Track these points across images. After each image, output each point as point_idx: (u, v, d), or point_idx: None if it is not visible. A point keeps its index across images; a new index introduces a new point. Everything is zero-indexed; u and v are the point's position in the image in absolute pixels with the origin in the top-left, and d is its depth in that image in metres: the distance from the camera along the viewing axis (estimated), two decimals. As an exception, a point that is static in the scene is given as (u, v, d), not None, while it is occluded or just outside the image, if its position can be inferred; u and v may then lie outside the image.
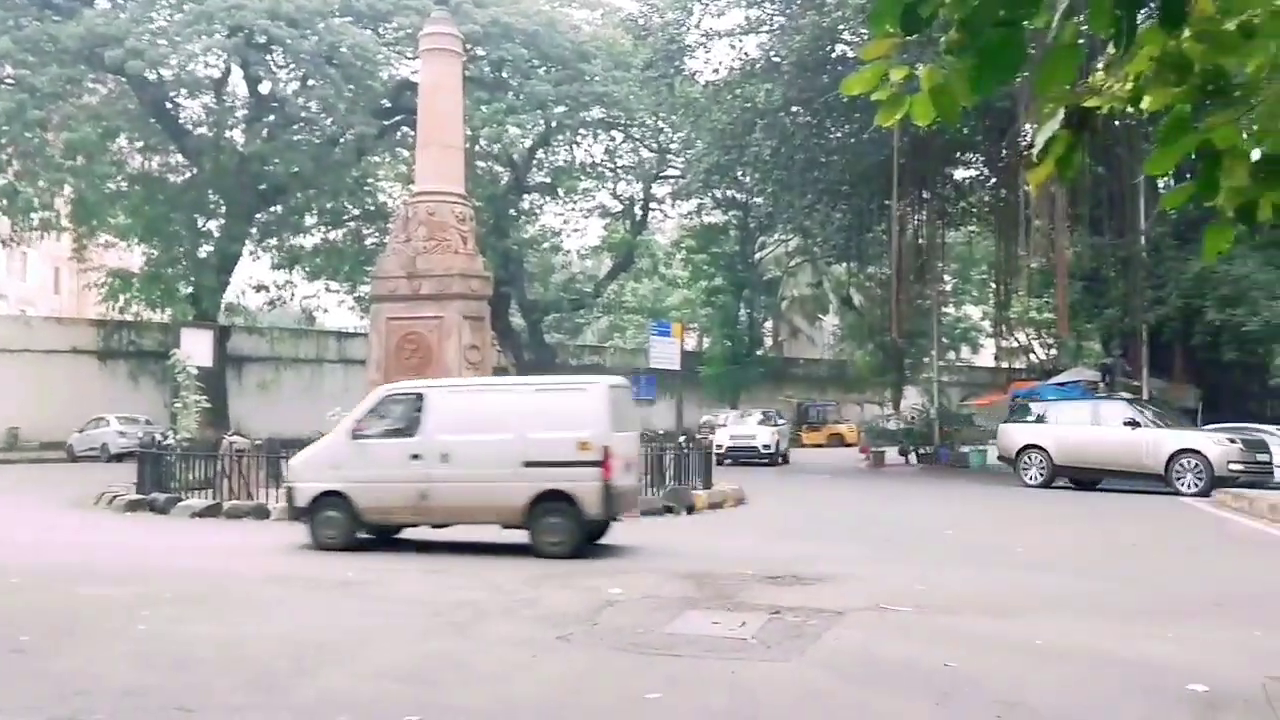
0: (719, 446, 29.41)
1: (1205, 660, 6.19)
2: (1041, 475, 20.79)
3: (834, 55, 28.16)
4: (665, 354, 34.74)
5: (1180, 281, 24.13)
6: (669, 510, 15.47)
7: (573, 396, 11.41)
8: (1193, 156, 2.92)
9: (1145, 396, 24.71)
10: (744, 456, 29.38)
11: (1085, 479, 20.47)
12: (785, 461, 30.71)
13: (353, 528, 11.40)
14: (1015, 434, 21.89)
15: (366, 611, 7.99)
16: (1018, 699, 5.39)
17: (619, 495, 10.98)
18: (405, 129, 34.48)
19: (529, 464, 10.84)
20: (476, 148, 35.05)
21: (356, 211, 38.86)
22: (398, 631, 7.18)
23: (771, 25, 30.43)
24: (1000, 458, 22.82)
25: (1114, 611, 7.98)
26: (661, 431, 30.75)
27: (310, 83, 33.13)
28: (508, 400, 12.00)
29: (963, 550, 11.81)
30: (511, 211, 40.39)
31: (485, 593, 8.66)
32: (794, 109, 29.83)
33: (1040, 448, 20.85)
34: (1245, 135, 3.20)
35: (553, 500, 10.80)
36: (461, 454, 11.01)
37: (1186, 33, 3.02)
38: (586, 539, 11.14)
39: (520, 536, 11.04)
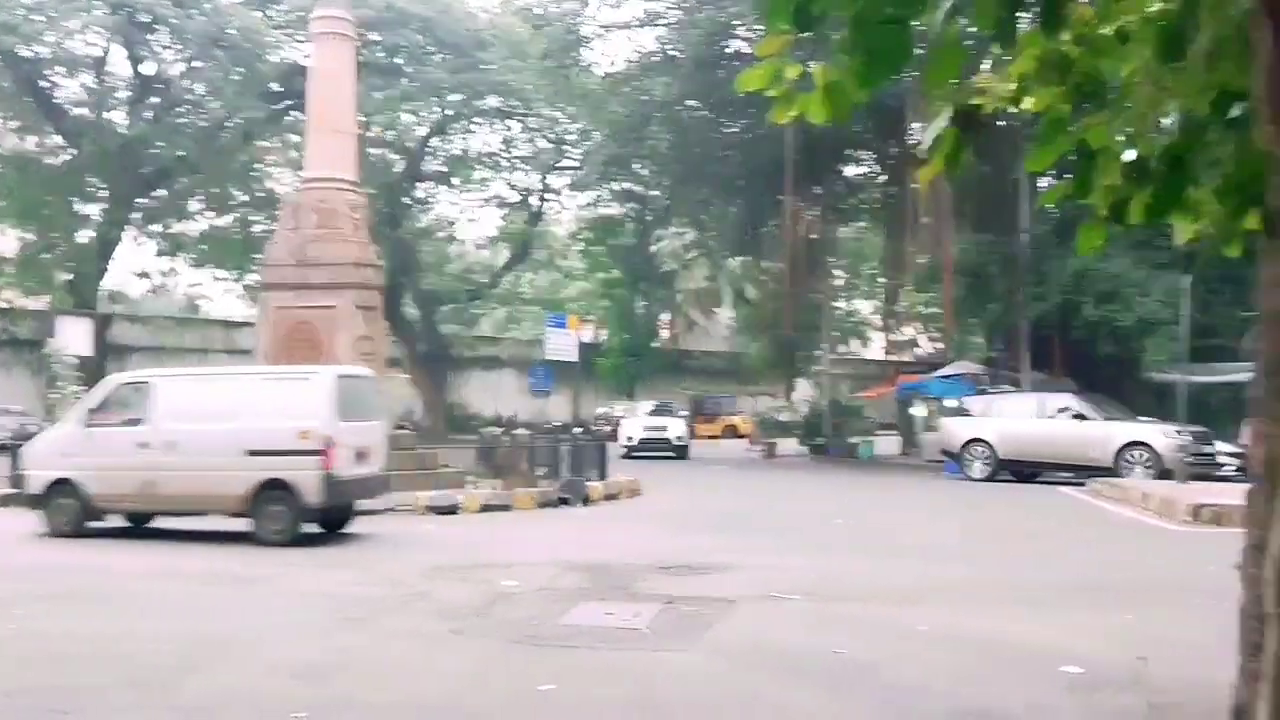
0: (629, 439, 29.59)
1: (1081, 643, 6.43)
2: (986, 469, 20.68)
3: (730, 51, 28.42)
4: (561, 346, 34.60)
5: (1059, 279, 25.09)
6: (564, 502, 15.47)
7: (297, 386, 11.58)
8: (1070, 156, 3.03)
9: (1026, 386, 25.64)
10: (657, 449, 29.30)
11: (1029, 472, 20.51)
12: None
13: (83, 515, 11.52)
14: (959, 428, 21.86)
15: (266, 609, 7.81)
16: (904, 683, 5.54)
17: (342, 484, 11.16)
18: (296, 114, 33.57)
19: (251, 453, 10.96)
20: (370, 134, 34.38)
21: (244, 198, 37.72)
22: (293, 628, 7.03)
23: (669, 19, 30.54)
24: (943, 451, 22.74)
25: (997, 597, 8.24)
26: (558, 423, 30.66)
27: (196, 64, 32.12)
28: (234, 389, 12.03)
29: (853, 539, 12.07)
30: (406, 200, 39.79)
31: (381, 587, 8.55)
32: (691, 103, 30.02)
33: (985, 441, 20.85)
34: (1119, 137, 3.34)
35: (274, 489, 10.92)
36: (187, 442, 11.11)
37: (1066, 36, 3.14)
38: (328, 528, 11.53)
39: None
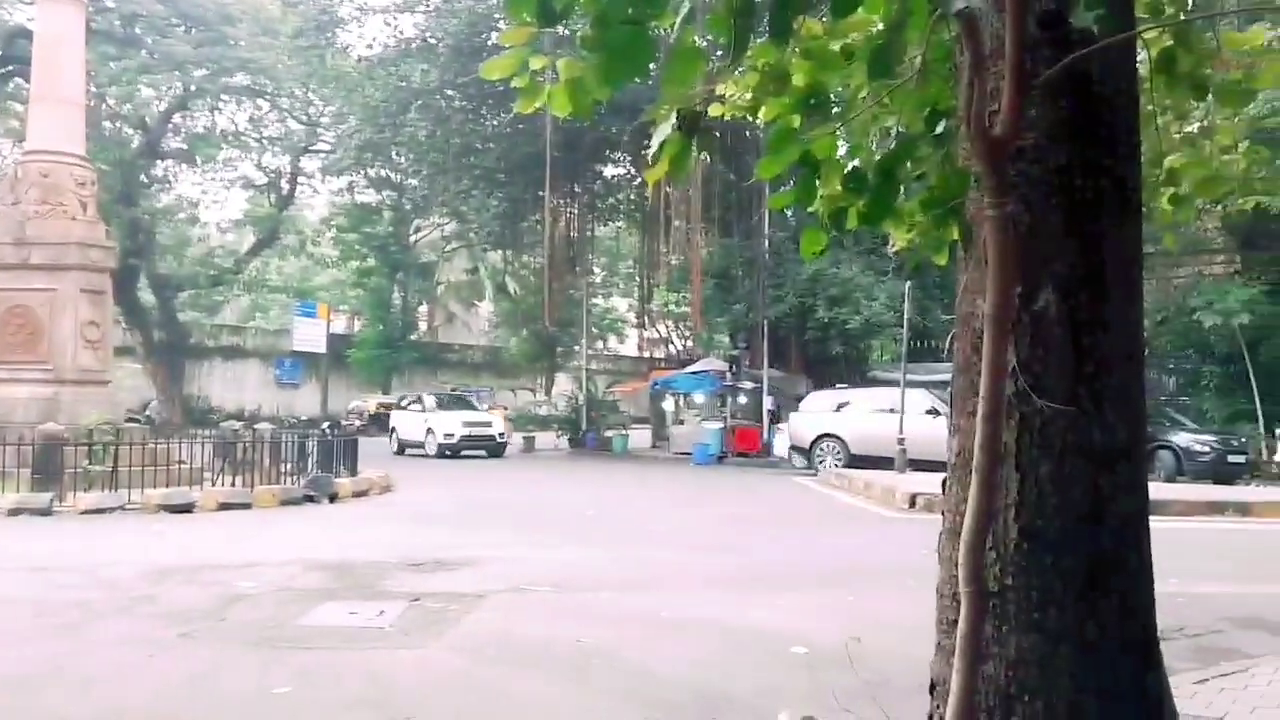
0: (449, 435, 27.32)
1: (807, 625, 6.83)
2: (837, 465, 20.78)
3: (489, 42, 28.24)
4: (310, 336, 33.31)
5: (796, 282, 26.55)
6: (310, 499, 14.92)
7: None
8: (800, 165, 3.19)
9: (765, 384, 27.02)
10: (479, 445, 27.71)
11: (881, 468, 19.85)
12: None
13: None
14: (810, 423, 21.96)
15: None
16: (646, 669, 5.69)
17: None
18: (19, 80, 30.74)
19: None
20: (104, 107, 31.92)
21: (-41, 170, 34.11)
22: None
23: (428, 6, 30.03)
24: (793, 447, 22.87)
25: (732, 582, 8.61)
26: (305, 417, 29.49)
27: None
28: None
29: (604, 530, 12.29)
30: (143, 178, 37.17)
31: (99, 591, 7.93)
32: (450, 92, 29.65)
33: (836, 437, 21.18)
34: (842, 149, 3.56)
35: None
36: None
37: (795, 49, 3.31)
38: None
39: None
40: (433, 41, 29.25)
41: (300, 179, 43.82)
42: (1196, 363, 24.15)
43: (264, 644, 6.19)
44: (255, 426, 17.72)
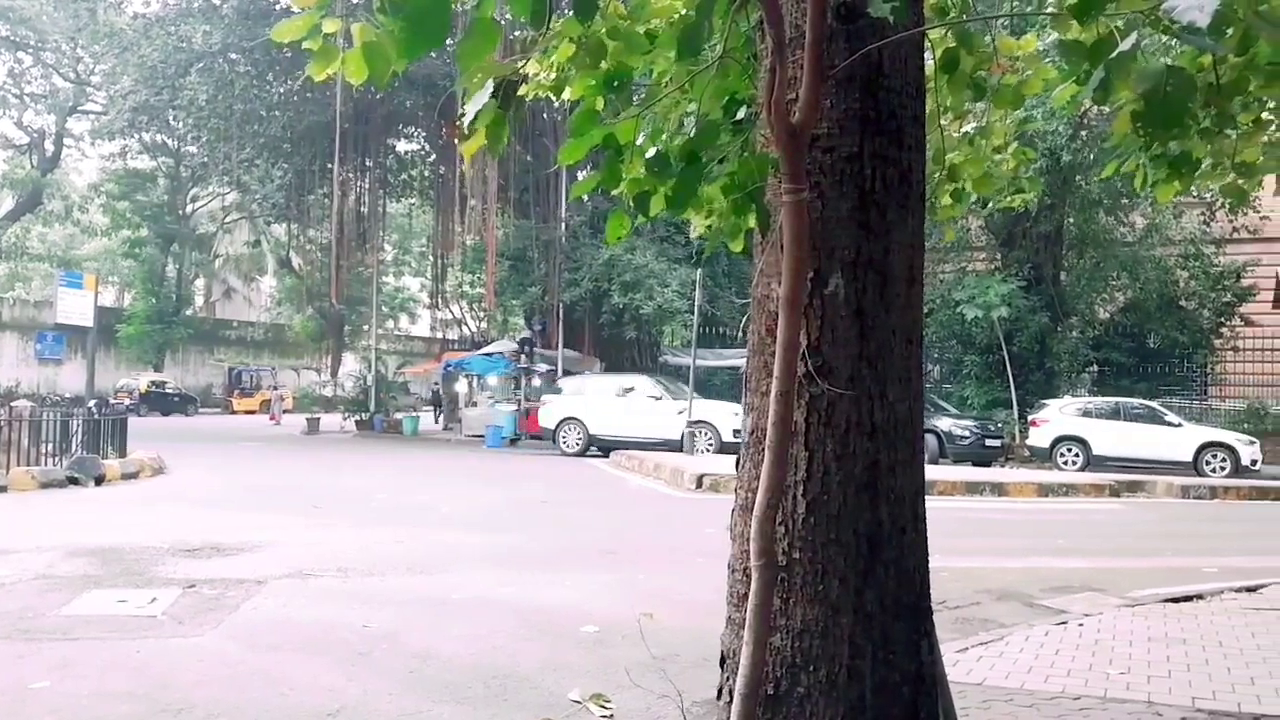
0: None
1: (597, 603, 6.91)
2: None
3: (277, 6, 27.07)
4: (76, 308, 31.05)
5: (592, 266, 26.77)
6: (74, 482, 13.91)
7: None
8: (603, 150, 3.19)
9: (559, 367, 27.16)
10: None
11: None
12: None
13: None
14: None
15: None
16: (432, 652, 5.60)
17: None
18: None
19: None
20: None
21: None
22: None
23: (211, -37, 28.42)
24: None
25: (523, 563, 8.60)
26: (69, 395, 27.45)
27: None
28: None
29: (392, 513, 12.02)
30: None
31: None
32: (234, 56, 28.24)
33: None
34: (645, 134, 3.59)
35: None
36: None
37: (601, 26, 3.31)
38: None
39: None
40: (216, 2, 27.71)
41: (67, 140, 40.60)
42: (959, 352, 25.92)
43: (19, 636, 5.74)
44: (12, 404, 16.33)
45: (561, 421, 22.84)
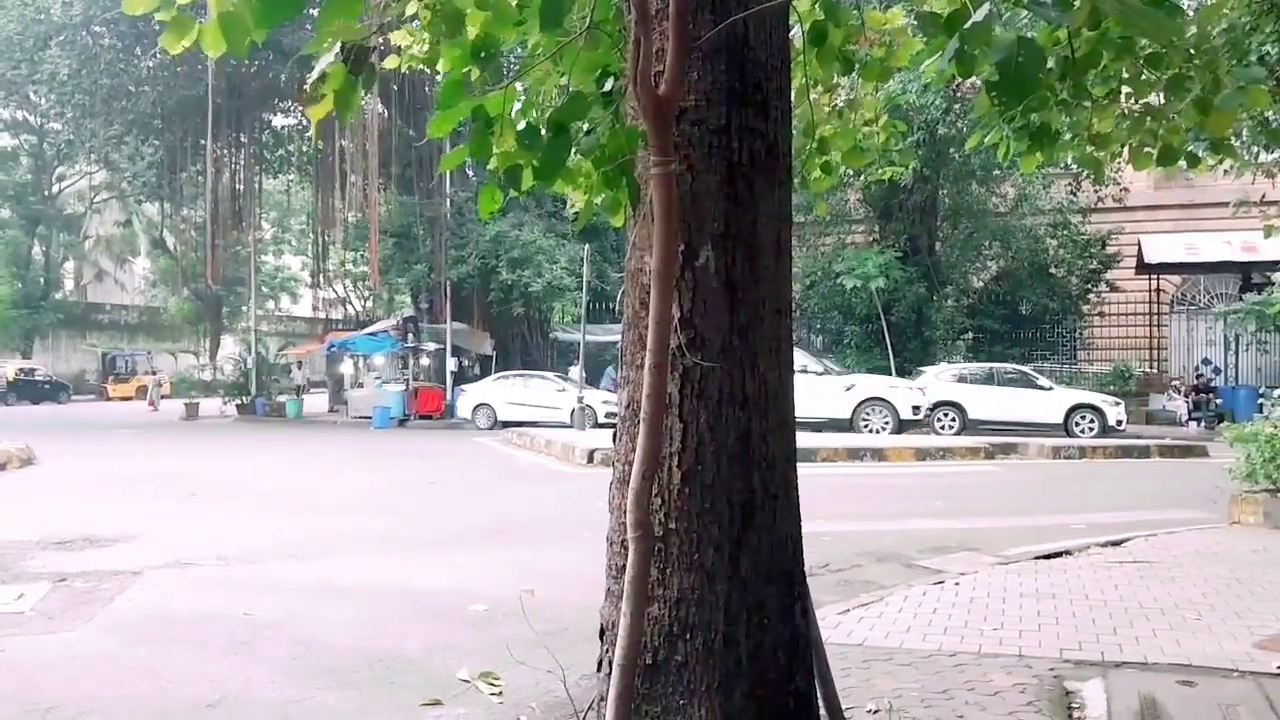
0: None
1: (485, 582, 6.88)
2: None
3: (141, -25, 25.91)
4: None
5: (479, 243, 26.48)
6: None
7: None
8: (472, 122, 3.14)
9: (448, 344, 26.88)
10: None
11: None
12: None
13: None
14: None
15: None
16: (315, 637, 5.51)
17: None
18: None
19: None
20: None
21: None
22: None
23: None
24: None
25: (410, 545, 8.51)
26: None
27: None
28: None
29: (273, 499, 11.74)
30: None
31: None
32: (98, 29, 26.99)
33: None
34: (517, 105, 3.54)
35: None
36: None
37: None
38: None
39: None
40: (75, -28, 26.42)
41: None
42: (840, 323, 26.48)
43: None
44: None
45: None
